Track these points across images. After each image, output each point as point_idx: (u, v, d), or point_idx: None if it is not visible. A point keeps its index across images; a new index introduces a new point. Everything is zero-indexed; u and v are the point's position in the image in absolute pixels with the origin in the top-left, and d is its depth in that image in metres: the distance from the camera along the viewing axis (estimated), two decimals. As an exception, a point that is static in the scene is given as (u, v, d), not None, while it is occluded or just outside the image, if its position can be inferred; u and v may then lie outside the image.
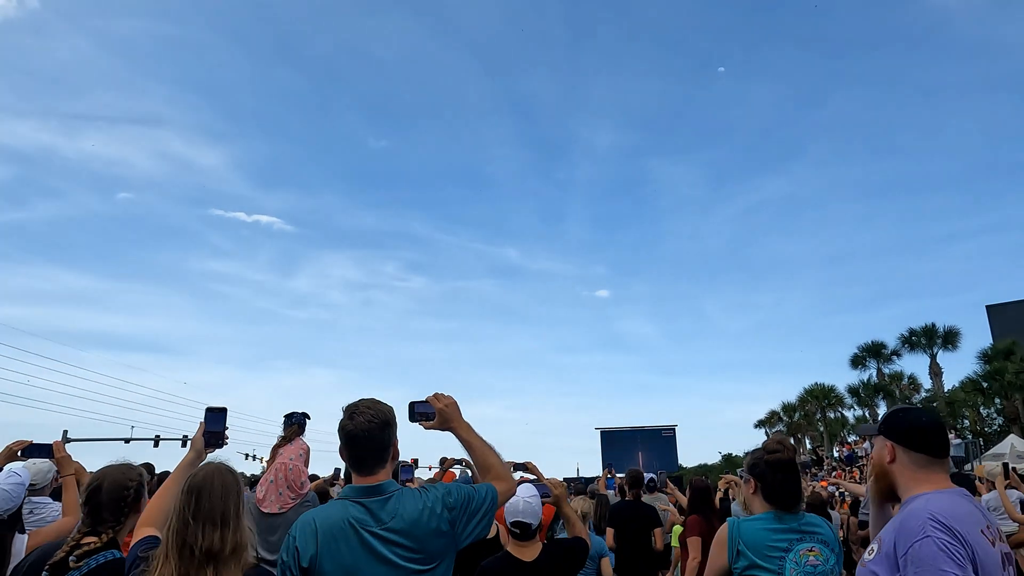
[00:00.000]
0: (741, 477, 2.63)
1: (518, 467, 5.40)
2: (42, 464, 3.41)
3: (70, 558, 2.11)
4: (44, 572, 2.10)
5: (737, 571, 2.32)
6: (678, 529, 6.81)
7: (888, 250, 76.09)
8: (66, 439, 31.69)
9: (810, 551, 2.31)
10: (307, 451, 4.73)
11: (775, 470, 2.44)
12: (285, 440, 4.70)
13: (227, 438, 2.36)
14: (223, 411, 2.42)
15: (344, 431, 2.00)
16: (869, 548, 2.08)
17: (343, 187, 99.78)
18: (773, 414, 51.72)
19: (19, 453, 3.29)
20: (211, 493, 1.88)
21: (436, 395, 2.27)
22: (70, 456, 3.38)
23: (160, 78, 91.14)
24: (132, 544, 1.99)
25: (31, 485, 3.15)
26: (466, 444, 2.27)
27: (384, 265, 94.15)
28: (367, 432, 1.98)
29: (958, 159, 69.13)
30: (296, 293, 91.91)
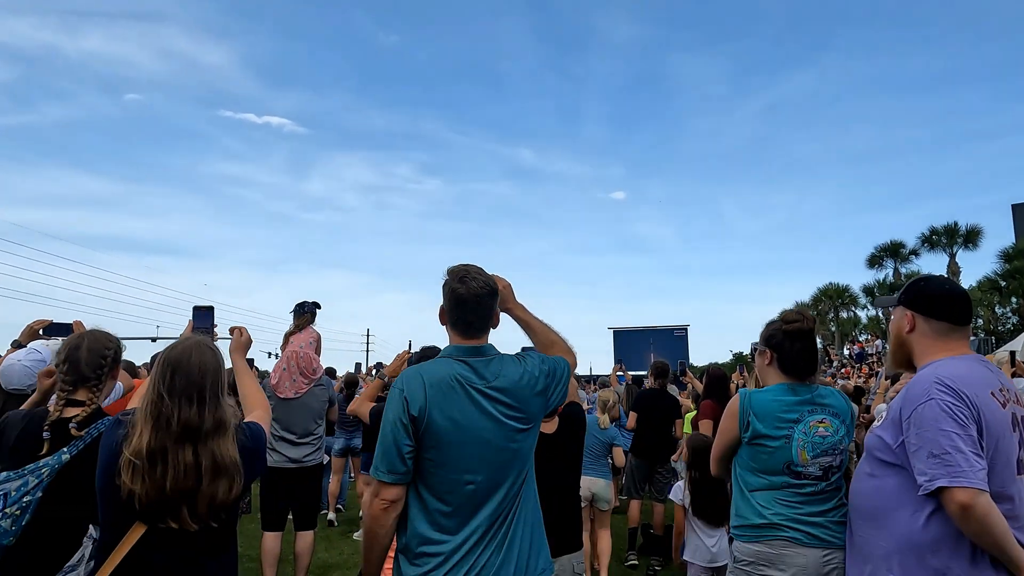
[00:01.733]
0: (756, 349, 2.60)
1: None
2: (59, 345, 3.47)
3: (71, 425, 2.06)
4: (44, 432, 2.05)
5: (746, 439, 2.33)
6: (691, 415, 7.00)
7: (914, 149, 73.67)
8: (95, 337, 32.70)
9: (820, 422, 2.31)
10: (318, 339, 4.85)
11: (793, 340, 2.40)
12: (297, 328, 4.80)
13: (216, 335, 2.37)
14: (210, 309, 2.46)
15: (455, 294, 1.99)
16: (879, 415, 2.07)
17: (353, 86, 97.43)
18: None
19: (40, 332, 3.34)
20: (188, 369, 1.81)
21: (495, 276, 2.22)
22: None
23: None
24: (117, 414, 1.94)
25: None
26: (524, 324, 2.28)
27: (397, 167, 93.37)
28: (477, 298, 1.99)
29: (991, 52, 65.29)
30: (310, 196, 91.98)
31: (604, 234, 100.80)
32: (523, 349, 2.85)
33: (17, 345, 3.19)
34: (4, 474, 1.99)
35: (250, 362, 2.59)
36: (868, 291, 41.04)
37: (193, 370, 1.81)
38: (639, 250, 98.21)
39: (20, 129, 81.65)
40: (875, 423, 2.05)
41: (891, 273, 39.62)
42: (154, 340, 35.54)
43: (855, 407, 2.53)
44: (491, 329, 2.08)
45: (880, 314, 40.64)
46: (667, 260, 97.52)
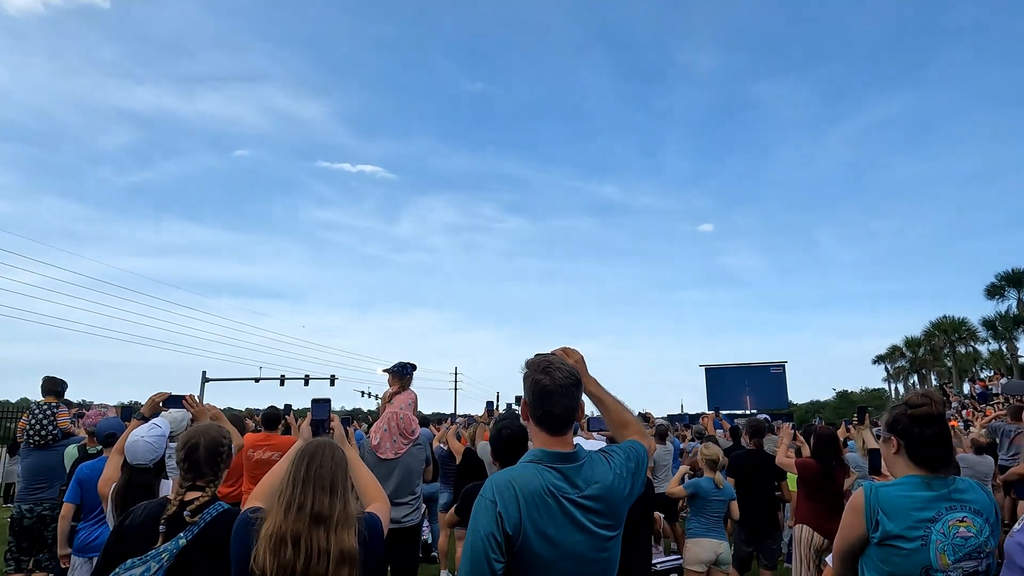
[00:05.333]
0: (877, 436, 2.40)
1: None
2: (177, 413, 3.69)
3: (185, 513, 2.22)
4: (160, 527, 2.20)
5: (875, 540, 2.13)
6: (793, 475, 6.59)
7: (1032, 166, 67.97)
8: (205, 379, 34.79)
9: (961, 522, 2.08)
10: (415, 399, 5.00)
11: (922, 426, 2.20)
12: (398, 390, 4.95)
13: (332, 429, 2.44)
14: (327, 401, 2.55)
15: (540, 386, 1.88)
16: (1021, 519, 1.86)
17: (440, 132, 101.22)
18: (895, 349, 48.77)
19: (160, 404, 3.58)
20: (321, 461, 1.96)
21: (564, 349, 2.12)
22: (204, 407, 3.65)
23: (261, 35, 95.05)
24: (242, 511, 2.07)
25: (170, 433, 3.40)
26: (597, 400, 2.17)
27: (482, 207, 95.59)
28: (564, 388, 1.88)
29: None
30: (400, 238, 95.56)
31: (692, 268, 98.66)
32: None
33: (141, 418, 3.42)
34: (129, 560, 2.15)
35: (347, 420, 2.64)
36: (989, 324, 37.75)
37: (326, 463, 1.97)
38: (730, 283, 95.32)
39: (142, 186, 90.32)
40: (1016, 525, 1.84)
41: (1015, 304, 36.31)
42: (256, 381, 37.43)
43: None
44: (576, 422, 1.97)
45: (1005, 348, 37.21)
46: (760, 293, 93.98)
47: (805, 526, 5.30)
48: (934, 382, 43.10)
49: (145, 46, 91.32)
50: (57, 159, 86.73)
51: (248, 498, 2.16)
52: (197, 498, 2.29)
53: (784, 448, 5.89)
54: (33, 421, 5.94)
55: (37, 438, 5.87)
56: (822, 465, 5.36)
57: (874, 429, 5.65)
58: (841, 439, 7.48)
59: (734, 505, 5.32)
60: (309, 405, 2.53)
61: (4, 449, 14.36)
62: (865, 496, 2.18)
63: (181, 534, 2.19)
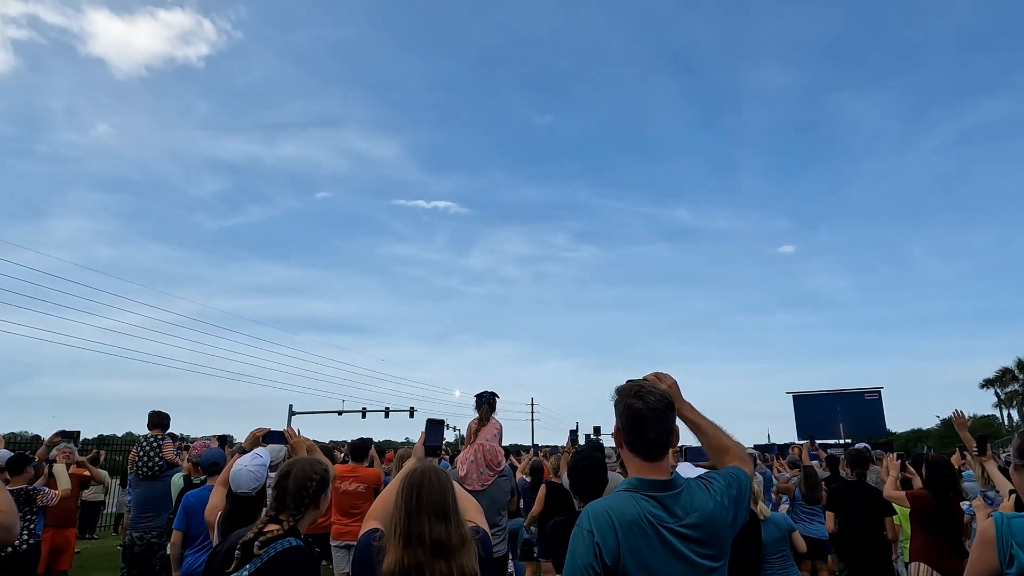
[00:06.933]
0: (1008, 461, 2.22)
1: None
2: (276, 446, 3.84)
3: (256, 543, 2.18)
4: (236, 552, 2.19)
5: (1011, 575, 1.95)
6: (904, 509, 6.15)
7: None
8: (292, 413, 36.12)
9: (1111, 557, 1.88)
10: (500, 430, 5.01)
11: None
12: (482, 421, 4.97)
13: (445, 449, 2.45)
14: (441, 423, 2.56)
15: (632, 410, 1.83)
16: None
17: (510, 165, 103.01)
18: (1006, 372, 45.16)
19: (261, 439, 3.73)
20: (430, 488, 1.95)
21: (656, 375, 2.04)
22: (301, 439, 3.78)
23: (336, 81, 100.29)
24: (361, 534, 2.10)
25: (270, 463, 3.53)
26: (693, 426, 2.07)
27: (553, 237, 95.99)
28: (657, 412, 1.83)
29: None
30: (472, 270, 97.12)
31: (774, 291, 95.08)
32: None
33: (241, 451, 3.58)
34: None
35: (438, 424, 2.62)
36: (1114, 342, 34.36)
37: (435, 489, 1.96)
38: (815, 305, 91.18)
39: (233, 230, 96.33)
40: None
41: None
42: (340, 414, 38.51)
43: None
44: (671, 448, 1.89)
45: None
46: (849, 315, 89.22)
47: (922, 564, 4.91)
48: (1053, 407, 39.48)
49: (233, 99, 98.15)
50: (156, 207, 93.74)
51: (365, 519, 2.19)
52: (274, 531, 2.26)
53: (893, 480, 5.50)
54: (141, 453, 6.33)
55: (145, 469, 6.24)
56: (937, 497, 4.97)
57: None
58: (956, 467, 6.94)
59: (796, 536, 4.90)
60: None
61: (115, 481, 15.32)
62: (996, 528, 2.01)
63: (247, 566, 2.16)
